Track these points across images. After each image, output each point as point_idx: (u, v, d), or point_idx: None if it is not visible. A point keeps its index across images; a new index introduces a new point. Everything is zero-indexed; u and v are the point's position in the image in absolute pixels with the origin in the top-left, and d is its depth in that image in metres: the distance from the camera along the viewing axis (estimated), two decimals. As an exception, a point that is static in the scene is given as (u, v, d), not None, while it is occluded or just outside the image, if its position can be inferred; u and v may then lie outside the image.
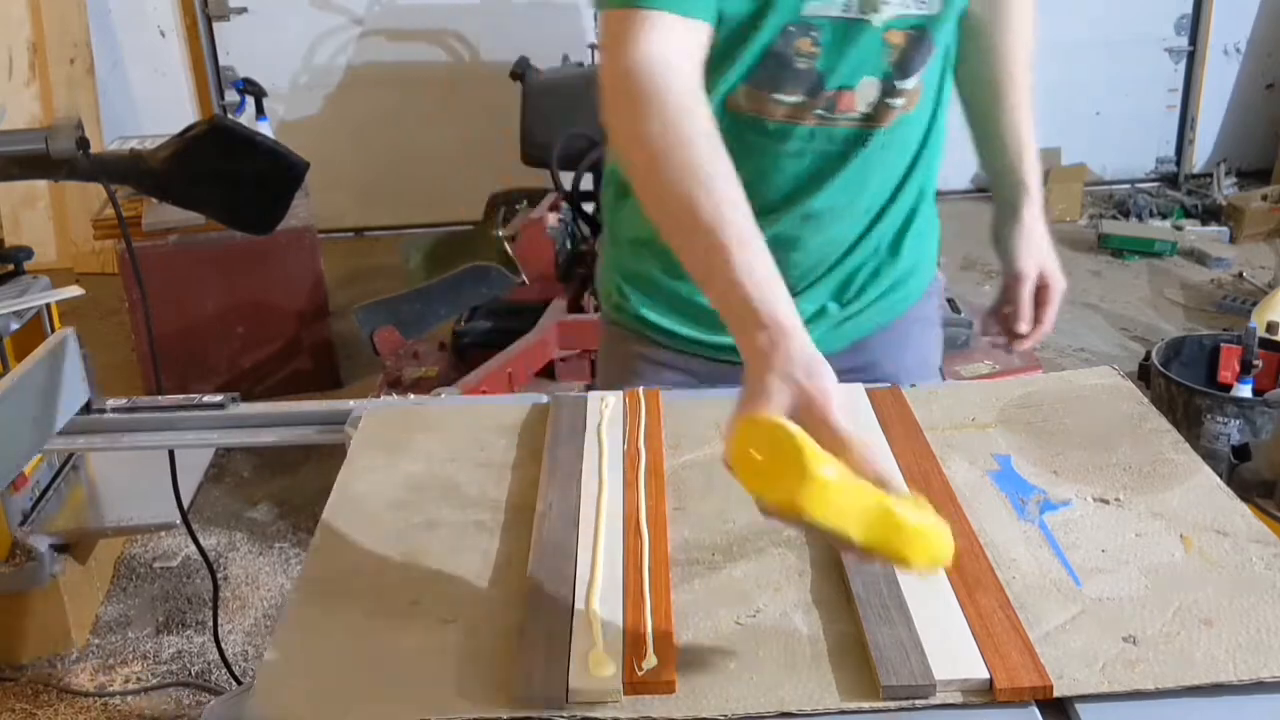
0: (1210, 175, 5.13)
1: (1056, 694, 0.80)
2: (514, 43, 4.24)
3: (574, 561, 0.95)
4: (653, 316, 1.37)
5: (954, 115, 1.37)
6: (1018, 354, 2.82)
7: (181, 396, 1.34)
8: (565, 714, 0.80)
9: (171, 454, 1.49)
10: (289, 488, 3.09)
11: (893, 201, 1.33)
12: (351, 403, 1.27)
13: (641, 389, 1.24)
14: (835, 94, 1.21)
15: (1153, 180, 5.23)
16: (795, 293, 1.31)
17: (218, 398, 1.32)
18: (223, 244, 3.33)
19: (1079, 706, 0.80)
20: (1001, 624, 0.86)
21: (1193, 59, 5.14)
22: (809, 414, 0.83)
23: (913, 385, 1.26)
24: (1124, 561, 0.95)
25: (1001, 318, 1.44)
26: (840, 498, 0.77)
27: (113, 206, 1.70)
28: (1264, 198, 4.66)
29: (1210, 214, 4.80)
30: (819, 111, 1.21)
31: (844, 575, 0.92)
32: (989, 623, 0.86)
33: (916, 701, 0.80)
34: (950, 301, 3.09)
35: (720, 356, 1.31)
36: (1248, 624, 0.86)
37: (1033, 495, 1.05)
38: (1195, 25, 5.10)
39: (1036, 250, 1.39)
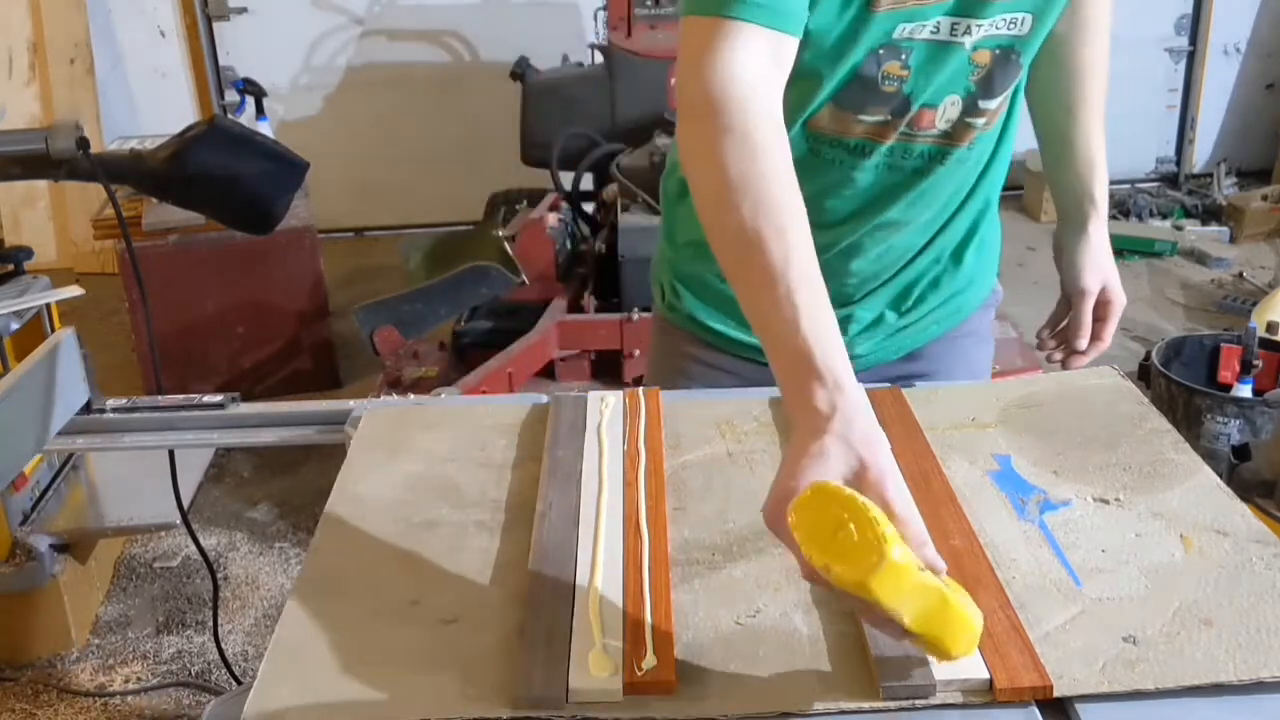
0: (1210, 175, 5.13)
1: (1056, 694, 0.80)
2: (514, 43, 4.24)
3: (574, 561, 0.95)
4: (705, 318, 1.37)
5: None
6: (1018, 354, 2.83)
7: (181, 396, 1.34)
8: (565, 714, 0.80)
9: (171, 454, 1.49)
10: (289, 488, 3.09)
11: (959, 212, 1.31)
12: (351, 403, 1.27)
13: (642, 390, 1.24)
14: (919, 113, 1.19)
15: (1153, 180, 5.23)
16: (854, 300, 1.32)
17: (218, 398, 1.32)
18: (223, 244, 3.33)
19: (1079, 706, 0.80)
20: (1001, 624, 0.86)
21: (1193, 59, 5.14)
22: (863, 486, 0.81)
23: (912, 385, 1.26)
24: (1124, 561, 0.95)
25: (1058, 333, 1.42)
26: (907, 581, 0.76)
27: (113, 206, 1.70)
28: (1264, 198, 4.66)
29: (1210, 214, 4.80)
30: (901, 130, 1.19)
31: (844, 575, 0.92)
32: (989, 623, 0.86)
33: (916, 701, 0.80)
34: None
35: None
36: (1248, 624, 0.86)
37: (1033, 495, 1.05)
38: (1195, 25, 5.10)
39: (1100, 266, 1.38)
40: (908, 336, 1.37)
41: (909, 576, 0.76)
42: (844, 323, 1.33)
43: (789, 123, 1.09)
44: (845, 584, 0.77)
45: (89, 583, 2.62)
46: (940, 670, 0.81)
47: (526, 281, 3.04)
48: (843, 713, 0.80)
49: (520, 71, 3.67)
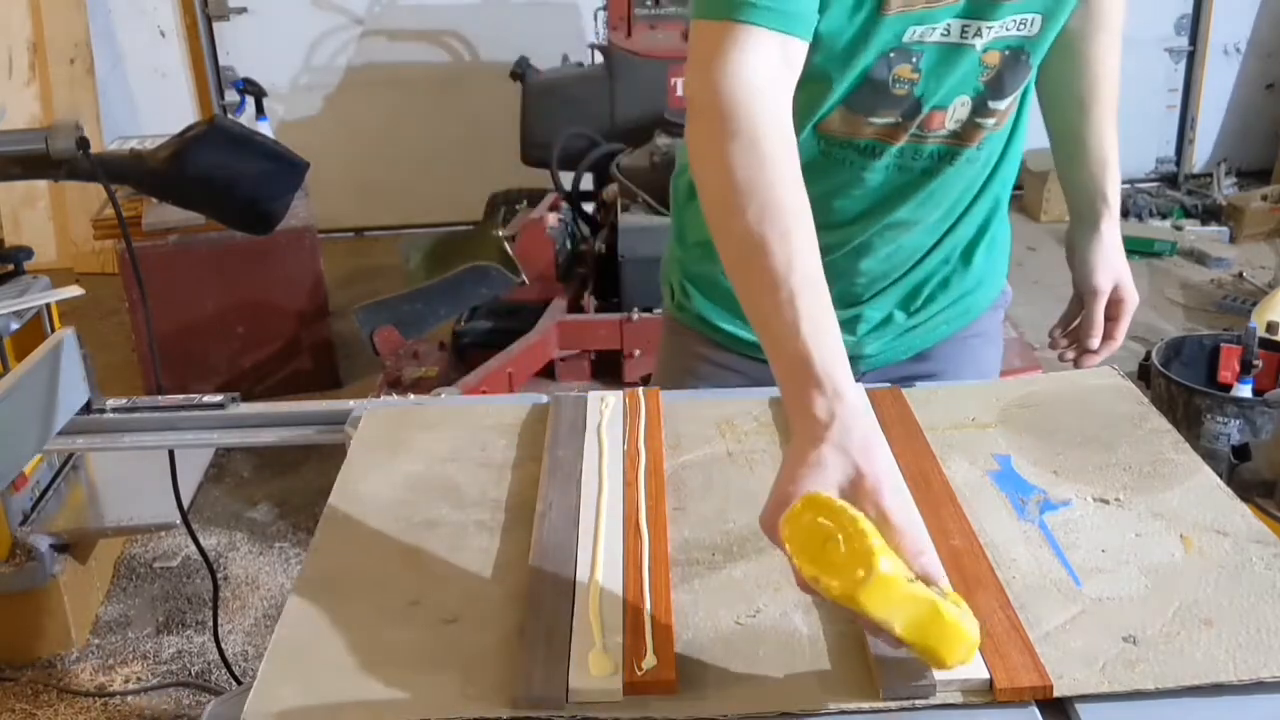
0: (1210, 175, 5.13)
1: (1056, 694, 0.80)
2: (514, 43, 4.24)
3: (574, 561, 0.95)
4: (715, 318, 1.37)
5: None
6: (1018, 354, 2.83)
7: (181, 396, 1.34)
8: (565, 714, 0.80)
9: (171, 454, 1.49)
10: (289, 488, 3.09)
11: (968, 211, 1.31)
12: (351, 403, 1.27)
13: (642, 390, 1.24)
14: (929, 114, 1.19)
15: (1153, 180, 5.23)
16: (863, 300, 1.32)
17: (218, 398, 1.32)
18: (223, 244, 3.32)
19: (1079, 706, 0.80)
20: (1001, 624, 0.86)
21: (1193, 59, 5.14)
22: (859, 495, 0.81)
23: (912, 385, 1.26)
24: (1124, 561, 0.95)
25: (1070, 332, 1.42)
26: (896, 593, 0.76)
27: (113, 206, 1.70)
28: (1264, 198, 4.66)
29: (1210, 214, 4.80)
30: (913, 132, 1.19)
31: (844, 575, 0.92)
32: (989, 623, 0.86)
33: (916, 701, 0.80)
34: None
35: None
36: (1248, 624, 0.86)
37: (1033, 495, 1.05)
38: (1195, 25, 5.10)
39: (1112, 265, 1.38)
40: (917, 336, 1.37)
41: (898, 588, 0.76)
42: (853, 322, 1.33)
43: (800, 126, 1.10)
44: (834, 596, 0.77)
45: (89, 583, 2.62)
46: (940, 670, 0.81)
47: (526, 281, 3.04)
48: (843, 713, 0.80)
49: (520, 71, 3.67)
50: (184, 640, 2.53)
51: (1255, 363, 2.83)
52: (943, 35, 1.13)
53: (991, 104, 1.20)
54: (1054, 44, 1.25)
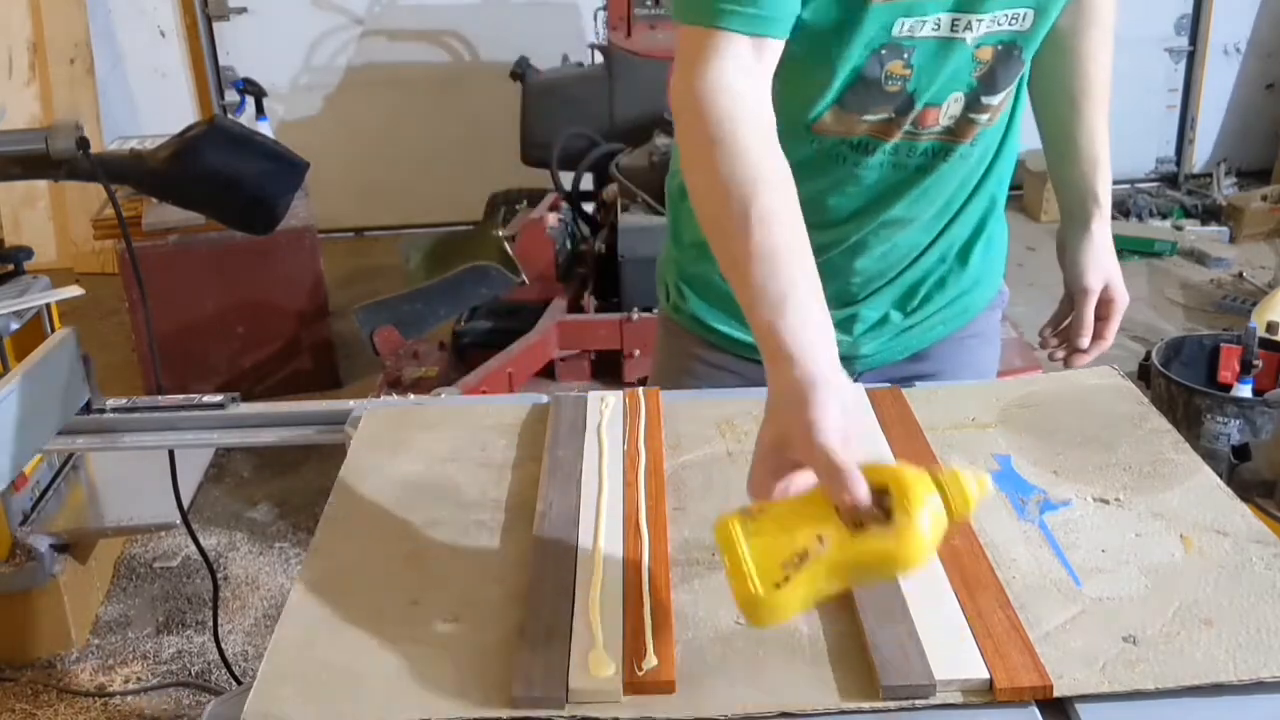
0: (1210, 175, 5.13)
1: (1056, 694, 0.80)
2: (514, 43, 4.24)
3: (574, 561, 0.95)
4: (709, 319, 1.37)
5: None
6: (1018, 354, 2.83)
7: (181, 396, 1.34)
8: (565, 714, 0.80)
9: (171, 454, 1.49)
10: (289, 488, 3.09)
11: (964, 209, 1.31)
12: (351, 403, 1.27)
13: (642, 390, 1.24)
14: (923, 111, 1.19)
15: (1153, 180, 5.23)
16: (859, 299, 1.32)
17: (218, 398, 1.32)
18: (223, 244, 3.33)
19: (1079, 706, 0.80)
20: (1001, 624, 0.86)
21: (1193, 59, 5.14)
22: (796, 449, 0.83)
23: (912, 385, 1.26)
24: (1124, 561, 0.95)
25: (1061, 331, 1.42)
26: (798, 589, 0.78)
27: (113, 206, 1.70)
28: (1264, 198, 4.66)
29: (1210, 214, 4.80)
30: (906, 128, 1.19)
31: (844, 575, 0.92)
32: (989, 623, 0.86)
33: (916, 701, 0.81)
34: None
35: None
36: (1248, 624, 0.86)
37: (1033, 495, 1.05)
38: (1195, 25, 5.10)
39: (1103, 265, 1.38)
40: (913, 337, 1.37)
41: (795, 586, 0.78)
42: (849, 322, 1.33)
43: (793, 127, 1.11)
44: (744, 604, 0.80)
45: (89, 583, 2.62)
46: (940, 670, 0.81)
47: (526, 281, 3.05)
48: (843, 713, 0.80)
49: (520, 71, 3.67)
50: (184, 640, 2.53)
51: (1255, 363, 2.83)
52: (933, 29, 1.13)
53: (985, 99, 1.20)
54: (1045, 40, 1.25)
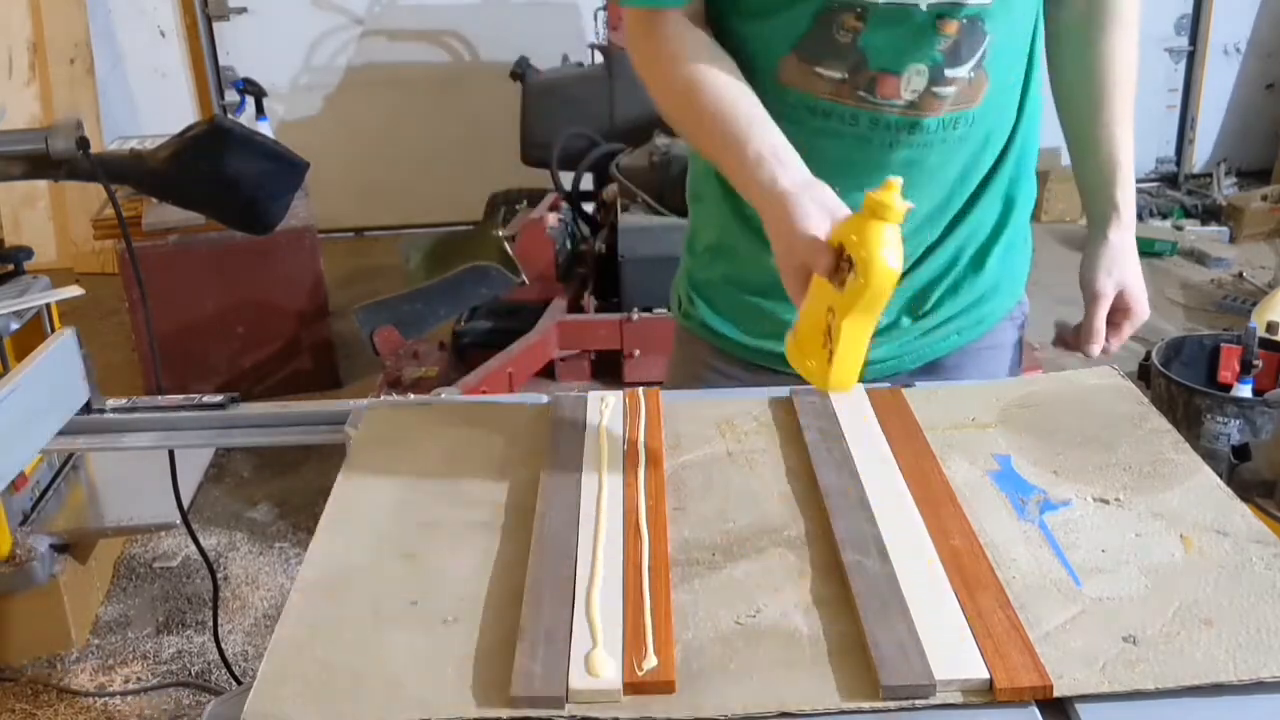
0: (1210, 175, 5.13)
1: (1056, 694, 0.80)
2: (514, 43, 4.25)
3: (574, 561, 0.95)
4: (719, 326, 1.37)
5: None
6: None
7: (181, 396, 1.34)
8: (565, 714, 0.80)
9: (171, 454, 1.49)
10: (289, 488, 3.10)
11: (970, 210, 1.29)
12: (351, 403, 1.27)
13: (642, 390, 1.24)
14: (877, 75, 1.18)
15: (1153, 180, 5.24)
16: None
17: (218, 398, 1.32)
18: (223, 244, 3.33)
19: (1079, 706, 0.80)
20: (1001, 624, 0.86)
21: (1193, 59, 5.14)
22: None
23: (912, 385, 1.26)
24: (1124, 561, 0.95)
25: (1074, 334, 1.39)
26: (844, 350, 0.99)
27: (113, 206, 1.70)
28: (1264, 198, 4.67)
29: (1210, 214, 4.81)
30: (860, 92, 1.19)
31: (844, 575, 0.92)
32: (989, 623, 0.86)
33: (916, 701, 0.80)
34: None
35: (784, 369, 1.28)
36: (1248, 624, 0.86)
37: (1033, 495, 1.05)
38: (1195, 25, 5.10)
39: (1119, 272, 1.33)
40: (926, 345, 1.35)
41: (847, 366, 0.99)
42: None
43: (758, 75, 1.19)
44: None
45: (89, 583, 2.62)
46: (940, 670, 0.81)
47: (526, 281, 3.05)
48: (843, 712, 0.80)
49: (520, 71, 3.68)
50: (184, 640, 2.54)
51: (1255, 363, 2.83)
52: None
53: (949, 72, 1.19)
54: (1065, 39, 1.23)
